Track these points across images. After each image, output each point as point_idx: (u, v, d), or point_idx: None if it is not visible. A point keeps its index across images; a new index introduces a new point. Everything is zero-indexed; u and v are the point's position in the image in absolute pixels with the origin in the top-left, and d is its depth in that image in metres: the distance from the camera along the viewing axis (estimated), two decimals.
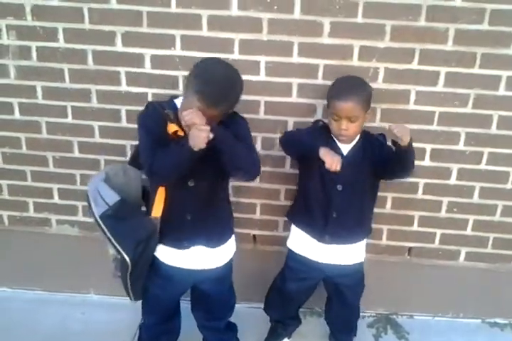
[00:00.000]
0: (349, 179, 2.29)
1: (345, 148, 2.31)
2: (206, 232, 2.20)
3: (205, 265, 2.25)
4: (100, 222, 2.12)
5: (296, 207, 2.52)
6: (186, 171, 2.00)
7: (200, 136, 1.88)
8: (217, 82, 1.95)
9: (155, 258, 2.24)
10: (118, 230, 2.11)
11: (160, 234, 2.17)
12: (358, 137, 2.32)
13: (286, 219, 2.62)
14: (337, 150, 2.28)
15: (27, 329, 2.79)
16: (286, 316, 2.73)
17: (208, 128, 1.88)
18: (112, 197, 2.13)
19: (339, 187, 2.29)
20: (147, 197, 2.24)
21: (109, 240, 2.12)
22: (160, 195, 2.14)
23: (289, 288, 2.53)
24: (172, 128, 2.01)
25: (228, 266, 2.35)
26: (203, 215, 2.17)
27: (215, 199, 2.20)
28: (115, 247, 2.11)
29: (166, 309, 2.42)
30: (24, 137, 2.73)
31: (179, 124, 2.01)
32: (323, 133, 2.33)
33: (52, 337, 2.75)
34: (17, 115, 2.69)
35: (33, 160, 2.78)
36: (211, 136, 1.90)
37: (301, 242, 2.45)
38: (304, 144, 2.30)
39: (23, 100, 2.66)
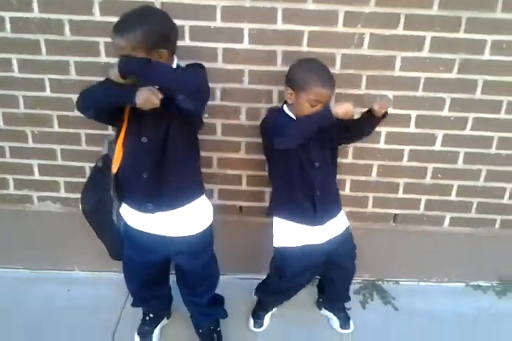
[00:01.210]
0: (320, 154, 2.29)
1: None
2: (166, 192, 2.14)
3: (172, 232, 2.21)
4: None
5: (279, 199, 2.43)
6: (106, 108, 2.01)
7: (150, 97, 1.85)
8: (128, 12, 1.96)
9: (123, 220, 2.26)
10: (93, 180, 2.27)
11: (122, 193, 2.19)
12: None
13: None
14: None
15: (12, 308, 2.77)
16: (279, 302, 2.74)
17: (159, 93, 1.86)
18: (103, 151, 2.24)
19: (317, 164, 2.29)
20: None
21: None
22: (118, 152, 2.12)
23: (287, 284, 2.51)
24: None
25: (203, 239, 2.28)
26: (160, 174, 2.11)
27: (174, 157, 2.11)
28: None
29: (145, 275, 2.37)
30: (1, 112, 2.66)
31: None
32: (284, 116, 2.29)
33: (38, 314, 2.73)
34: None
35: (11, 135, 2.70)
36: (159, 96, 1.87)
37: (292, 232, 2.39)
38: (314, 128, 2.17)
39: None
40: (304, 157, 2.26)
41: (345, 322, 2.71)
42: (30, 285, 2.94)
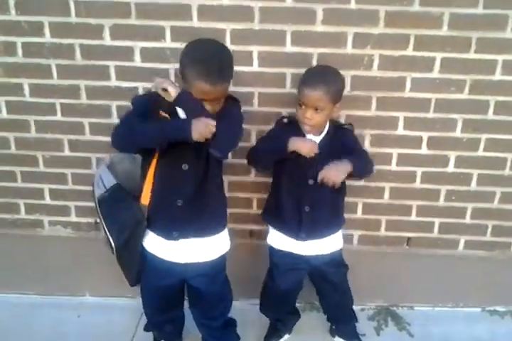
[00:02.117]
0: (319, 172, 2.23)
1: (315, 140, 2.27)
2: (197, 221, 2.14)
3: (192, 258, 2.20)
4: (97, 204, 2.20)
5: (269, 207, 2.48)
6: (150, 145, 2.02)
7: (205, 130, 1.87)
8: (213, 56, 1.94)
9: (143, 247, 2.23)
10: (109, 214, 2.18)
11: (149, 220, 2.16)
12: (326, 129, 2.29)
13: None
14: None
15: (22, 334, 2.72)
16: (283, 313, 2.69)
17: (215, 123, 1.87)
18: (110, 182, 2.17)
19: (310, 182, 2.26)
20: None
21: (101, 223, 2.18)
22: (148, 181, 2.11)
23: (279, 285, 2.48)
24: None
25: (219, 263, 2.30)
26: (194, 202, 2.11)
27: (209, 187, 2.13)
28: (104, 231, 2.18)
29: (162, 298, 2.35)
30: (12, 136, 2.67)
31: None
32: (291, 129, 2.29)
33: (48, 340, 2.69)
34: (4, 114, 2.63)
35: (23, 160, 2.71)
36: (213, 129, 1.88)
37: (281, 238, 2.41)
38: (273, 152, 2.25)
39: (10, 98, 2.59)
40: (297, 172, 2.26)
41: None
42: (41, 310, 2.90)
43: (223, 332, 2.51)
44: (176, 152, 2.04)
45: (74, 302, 2.98)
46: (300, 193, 2.29)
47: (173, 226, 2.14)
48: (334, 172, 2.16)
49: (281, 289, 2.50)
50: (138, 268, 2.26)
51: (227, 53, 1.99)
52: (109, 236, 2.18)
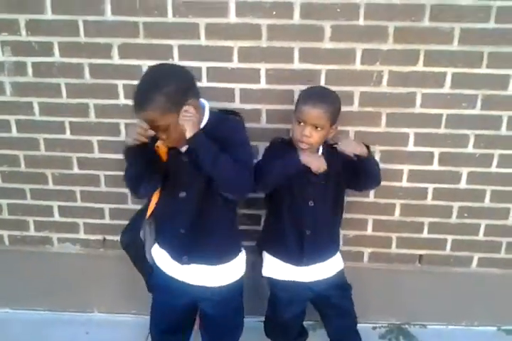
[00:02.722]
0: (318, 193, 2.25)
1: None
2: (204, 249, 2.11)
3: (203, 282, 2.16)
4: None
5: (268, 234, 2.43)
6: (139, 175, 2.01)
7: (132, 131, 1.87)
8: (139, 85, 1.87)
9: (155, 264, 2.23)
10: (132, 219, 2.28)
11: (158, 235, 2.20)
12: (320, 151, 2.26)
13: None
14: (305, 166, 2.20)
15: None
16: (289, 338, 2.64)
17: (145, 125, 1.84)
18: None
19: (311, 203, 2.24)
20: None
21: None
22: (154, 199, 2.13)
23: (282, 317, 2.44)
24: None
25: (234, 288, 2.22)
26: (198, 229, 2.08)
27: (212, 213, 2.07)
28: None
29: (170, 318, 2.29)
30: (22, 154, 2.68)
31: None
32: (285, 149, 2.26)
33: None
34: (14, 132, 2.64)
35: (32, 177, 2.72)
36: (150, 132, 1.86)
37: (279, 267, 2.36)
38: (283, 168, 2.17)
39: (20, 117, 2.61)
40: (297, 194, 2.24)
41: None
42: (50, 326, 2.90)
43: None
44: (172, 179, 2.04)
45: (82, 318, 2.97)
46: (301, 216, 2.26)
47: (182, 251, 2.12)
48: (354, 143, 2.15)
49: (285, 320, 2.46)
50: (147, 276, 2.29)
51: (162, 79, 1.86)
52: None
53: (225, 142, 1.94)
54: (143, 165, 1.97)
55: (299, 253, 2.29)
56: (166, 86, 1.82)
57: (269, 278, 2.42)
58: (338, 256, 2.42)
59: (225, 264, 2.17)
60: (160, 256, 2.22)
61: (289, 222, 2.29)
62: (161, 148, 2.02)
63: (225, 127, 2.01)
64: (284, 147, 2.29)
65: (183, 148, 1.98)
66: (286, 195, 2.25)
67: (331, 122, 2.16)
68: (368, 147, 2.16)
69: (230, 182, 1.94)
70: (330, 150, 2.27)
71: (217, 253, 2.15)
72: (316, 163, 2.16)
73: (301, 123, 2.15)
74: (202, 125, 1.97)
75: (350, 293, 2.46)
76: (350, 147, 2.14)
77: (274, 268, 2.38)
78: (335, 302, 2.43)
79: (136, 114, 1.85)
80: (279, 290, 2.40)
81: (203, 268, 2.14)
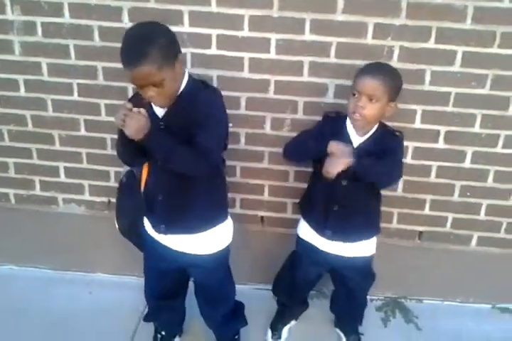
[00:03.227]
0: (353, 174, 2.14)
1: (357, 141, 2.18)
2: (181, 219, 2.09)
3: (184, 249, 2.16)
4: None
5: (304, 197, 2.45)
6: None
7: (134, 126, 1.82)
8: (128, 42, 1.80)
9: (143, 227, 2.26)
10: (119, 199, 2.27)
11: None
12: (373, 130, 2.18)
13: (294, 201, 2.56)
14: (347, 141, 2.16)
15: (34, 307, 2.80)
16: (293, 301, 2.70)
17: (128, 105, 1.82)
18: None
19: (344, 182, 2.18)
20: None
21: None
22: (144, 171, 2.12)
23: (297, 275, 2.49)
24: None
25: (219, 258, 2.23)
26: (175, 199, 2.07)
27: (192, 185, 2.03)
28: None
29: (160, 283, 2.34)
30: (29, 114, 2.69)
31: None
32: (336, 124, 2.22)
33: (60, 316, 2.74)
34: (22, 92, 2.65)
35: (39, 138, 2.74)
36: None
37: (308, 230, 2.38)
38: (310, 151, 2.20)
39: (28, 77, 2.61)
40: None
41: None
42: (54, 285, 2.97)
43: (228, 322, 2.48)
44: None
45: (86, 278, 3.04)
46: (331, 192, 2.22)
47: (161, 220, 2.12)
48: (331, 163, 2.08)
49: (299, 279, 2.51)
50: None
51: (153, 33, 1.82)
52: (116, 219, 2.24)
53: (197, 115, 1.91)
54: (135, 146, 1.92)
55: (322, 224, 2.28)
56: (158, 38, 1.79)
57: (297, 235, 2.45)
58: (370, 242, 2.38)
59: (206, 233, 2.14)
60: (146, 221, 2.23)
61: (319, 195, 2.28)
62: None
63: (202, 98, 1.95)
64: (334, 125, 2.23)
65: (161, 113, 1.96)
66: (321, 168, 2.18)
67: (388, 97, 2.07)
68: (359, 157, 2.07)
69: (183, 170, 1.92)
70: (384, 132, 2.20)
71: (196, 221, 2.11)
72: (333, 163, 2.07)
73: (356, 95, 2.09)
74: (181, 87, 1.95)
75: (370, 283, 2.49)
76: (332, 168, 2.07)
77: (303, 228, 2.40)
78: (350, 286, 2.45)
79: (129, 70, 1.77)
80: (302, 248, 2.44)
81: (182, 237, 2.14)
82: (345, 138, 2.17)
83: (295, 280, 2.52)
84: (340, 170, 2.06)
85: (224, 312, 2.42)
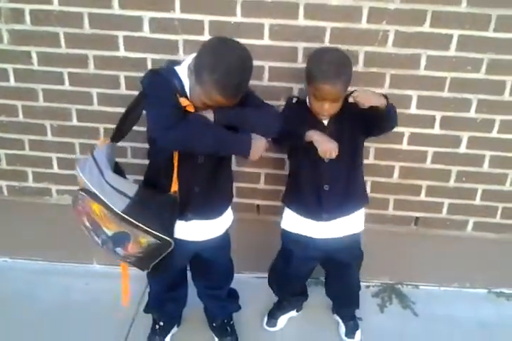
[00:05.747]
0: None
1: (326, 119, 2.21)
2: (210, 204, 2.18)
3: (204, 236, 2.24)
4: (126, 217, 1.95)
5: (288, 190, 2.44)
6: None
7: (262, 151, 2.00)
8: (236, 74, 1.85)
9: None
10: (145, 216, 1.97)
11: None
12: None
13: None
14: (318, 124, 2.18)
15: (29, 299, 2.78)
16: (289, 294, 2.70)
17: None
18: (131, 188, 2.01)
19: (326, 160, 2.17)
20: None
21: (141, 229, 1.96)
22: (176, 171, 2.04)
23: (289, 272, 2.49)
24: (184, 102, 1.91)
25: (226, 236, 2.36)
26: (209, 188, 2.14)
27: (222, 173, 2.17)
28: (150, 233, 1.97)
29: (171, 277, 2.40)
30: (20, 105, 2.66)
31: (187, 98, 1.93)
32: (300, 110, 2.23)
33: (55, 307, 2.74)
34: (12, 82, 2.61)
35: (31, 128, 2.71)
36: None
37: (295, 221, 2.37)
38: (292, 134, 2.16)
39: (18, 66, 2.57)
40: (313, 151, 2.15)
41: (351, 331, 2.63)
42: (49, 277, 2.95)
43: (227, 301, 2.58)
44: None
45: (81, 270, 3.03)
46: (318, 172, 2.24)
47: (187, 209, 2.12)
48: (370, 95, 2.04)
49: (291, 275, 2.51)
50: None
51: (249, 66, 1.91)
52: (163, 236, 1.99)
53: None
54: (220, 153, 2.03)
55: (317, 208, 2.28)
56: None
57: (284, 231, 2.44)
58: (360, 213, 2.39)
59: (222, 217, 2.26)
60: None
61: (307, 179, 2.28)
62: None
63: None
64: (298, 110, 2.24)
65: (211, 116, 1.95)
66: (303, 152, 2.22)
67: (347, 88, 2.10)
68: (385, 96, 2.06)
69: (264, 125, 2.03)
70: (344, 104, 2.17)
71: (217, 208, 2.25)
72: (324, 148, 2.08)
73: (320, 99, 2.10)
74: None
75: (359, 262, 2.50)
76: (366, 99, 2.01)
77: (292, 221, 2.39)
78: (341, 268, 2.47)
79: (232, 98, 1.88)
80: (292, 243, 2.42)
81: (203, 222, 2.20)
82: (315, 120, 2.20)
83: (288, 276, 2.53)
84: (373, 103, 2.02)
85: (227, 289, 2.53)
